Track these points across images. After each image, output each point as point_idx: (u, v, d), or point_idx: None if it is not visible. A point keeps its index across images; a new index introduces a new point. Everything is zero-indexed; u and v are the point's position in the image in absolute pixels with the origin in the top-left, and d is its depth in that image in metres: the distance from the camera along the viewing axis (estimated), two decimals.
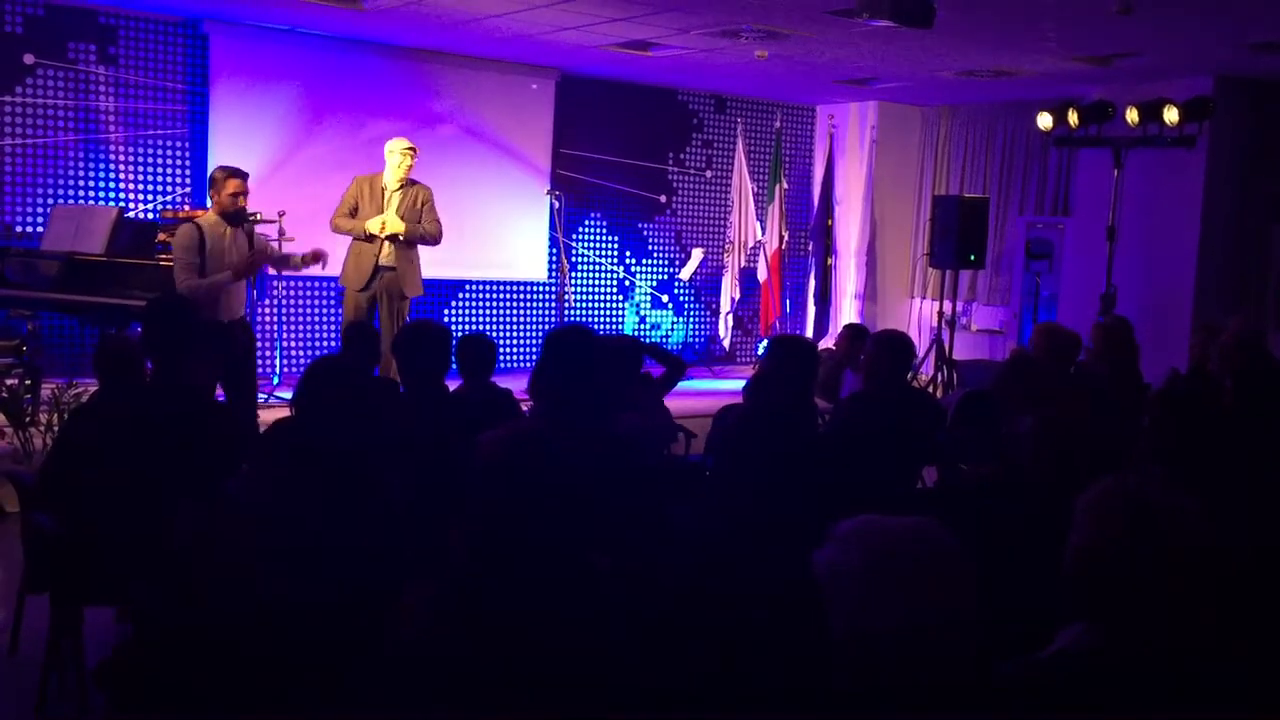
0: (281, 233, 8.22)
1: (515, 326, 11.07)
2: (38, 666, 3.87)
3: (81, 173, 8.78)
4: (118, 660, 2.86)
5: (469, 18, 8.41)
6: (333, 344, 9.65)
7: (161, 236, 7.80)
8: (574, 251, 11.17)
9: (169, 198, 9.10)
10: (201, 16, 8.99)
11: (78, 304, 7.23)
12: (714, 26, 8.34)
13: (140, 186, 9.02)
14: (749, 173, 11.70)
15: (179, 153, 9.18)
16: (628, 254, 11.72)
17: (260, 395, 7.13)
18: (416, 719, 2.01)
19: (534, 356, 4.08)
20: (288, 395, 5.47)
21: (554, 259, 10.70)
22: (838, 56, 9.40)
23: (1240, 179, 9.90)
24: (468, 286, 10.79)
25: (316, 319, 9.92)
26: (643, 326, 11.83)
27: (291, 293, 9.61)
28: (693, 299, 12.21)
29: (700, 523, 3.37)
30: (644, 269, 11.86)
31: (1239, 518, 2.85)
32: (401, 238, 7.46)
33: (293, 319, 9.75)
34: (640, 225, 11.77)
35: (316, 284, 9.65)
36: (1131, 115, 8.94)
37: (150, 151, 9.05)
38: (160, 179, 9.11)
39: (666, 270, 11.97)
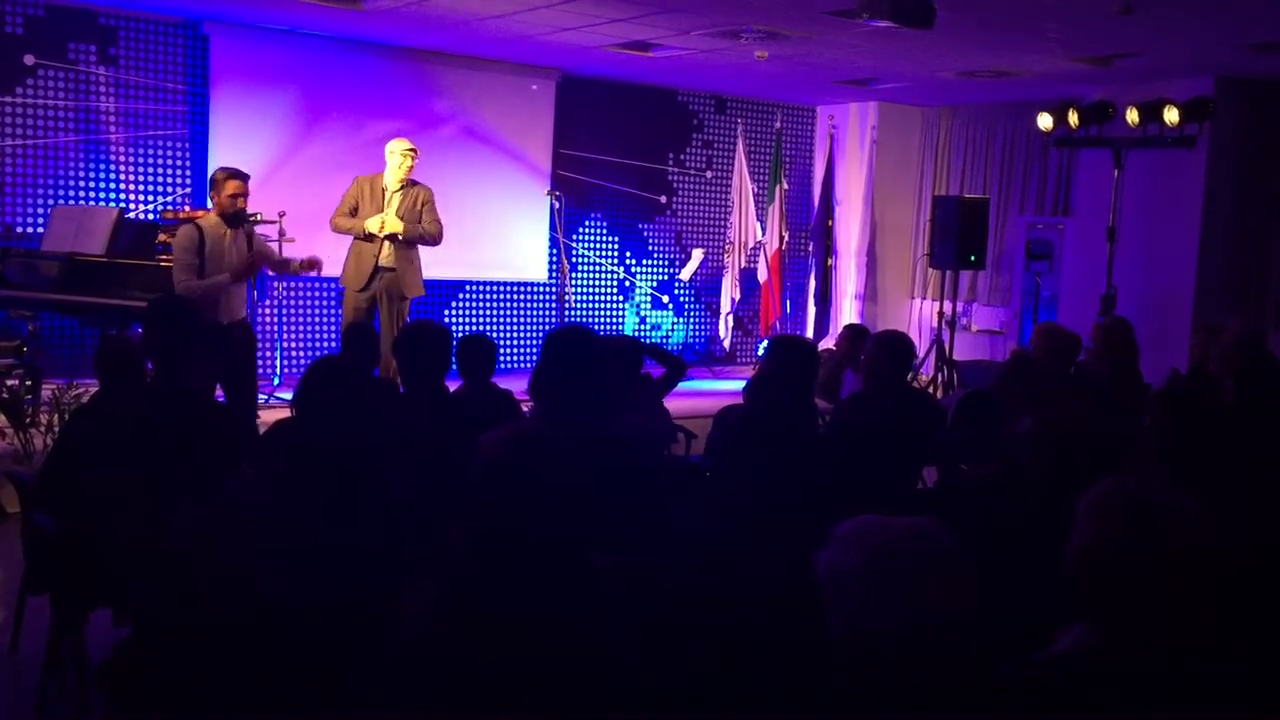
0: (282, 233, 8.23)
1: (516, 327, 11.08)
2: (38, 667, 3.87)
3: (82, 173, 8.78)
4: (118, 661, 2.86)
5: (469, 18, 8.41)
6: (333, 345, 9.65)
7: (162, 237, 7.80)
8: (574, 252, 11.18)
9: (169, 198, 9.11)
10: (202, 17, 8.99)
11: (78, 305, 7.24)
12: (714, 27, 8.34)
13: (141, 187, 9.02)
14: (749, 173, 11.71)
15: (179, 153, 9.18)
16: (628, 254, 11.72)
17: (261, 396, 7.13)
18: (416, 719, 2.01)
19: (534, 357, 4.07)
20: (288, 396, 5.48)
21: (554, 259, 10.70)
22: (838, 57, 9.41)
23: (1241, 179, 9.90)
24: (468, 287, 10.79)
25: (317, 320, 9.93)
26: (643, 327, 11.83)
27: (292, 293, 9.62)
28: (693, 299, 12.21)
29: (700, 523, 3.37)
30: (644, 269, 11.86)
31: (1239, 518, 2.85)
32: (400, 237, 7.47)
33: (293, 320, 9.76)
34: (640, 226, 11.77)
35: (317, 285, 9.65)
36: (1132, 115, 8.94)
37: (151, 152, 9.06)
38: (161, 180, 9.12)
39: (667, 271, 11.97)
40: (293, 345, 9.65)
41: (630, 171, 11.49)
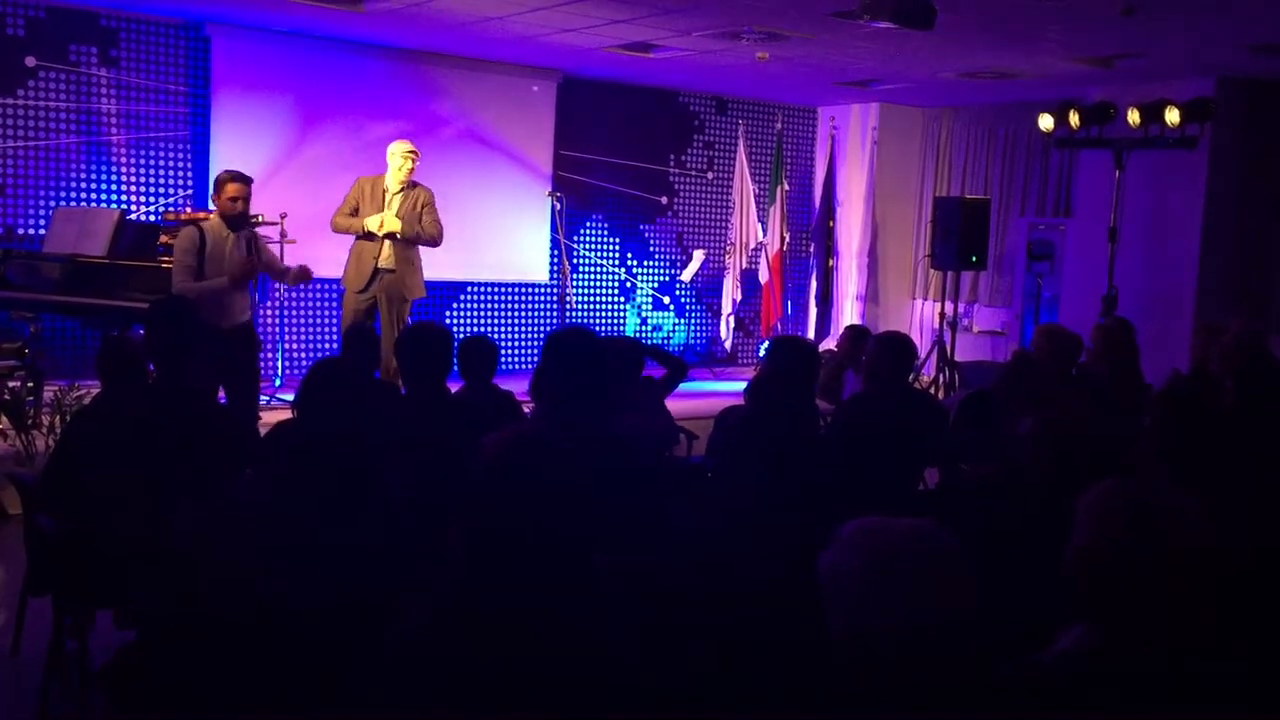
0: (283, 234, 8.24)
1: (517, 328, 11.08)
2: (40, 669, 3.87)
3: (83, 175, 8.79)
4: (120, 663, 2.86)
5: (470, 20, 8.41)
6: (334, 346, 9.66)
7: (163, 239, 7.81)
8: (575, 253, 11.18)
9: (171, 200, 9.12)
10: (203, 19, 9.00)
11: (80, 306, 7.24)
12: (715, 28, 8.35)
13: (142, 189, 9.03)
14: (750, 174, 11.71)
15: (181, 155, 9.19)
16: (629, 256, 11.72)
17: (262, 397, 7.13)
18: (416, 719, 2.01)
19: (535, 358, 4.08)
20: (289, 397, 5.48)
21: (555, 261, 10.70)
22: (839, 58, 9.41)
23: (1241, 180, 9.90)
24: (469, 288, 10.79)
25: (318, 321, 9.93)
26: (644, 328, 11.83)
27: (293, 296, 9.62)
28: (694, 300, 12.21)
29: (701, 523, 3.37)
30: (645, 270, 11.87)
31: (1239, 518, 2.85)
32: (399, 236, 7.47)
33: (295, 321, 9.76)
34: (642, 227, 11.77)
35: (319, 286, 9.65)
36: (1133, 116, 8.94)
37: (152, 154, 9.07)
38: (162, 181, 9.12)
39: (668, 272, 11.98)
40: (294, 347, 9.66)
41: (631, 172, 11.50)
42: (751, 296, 12.06)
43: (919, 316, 12.34)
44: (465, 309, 10.81)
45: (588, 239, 11.42)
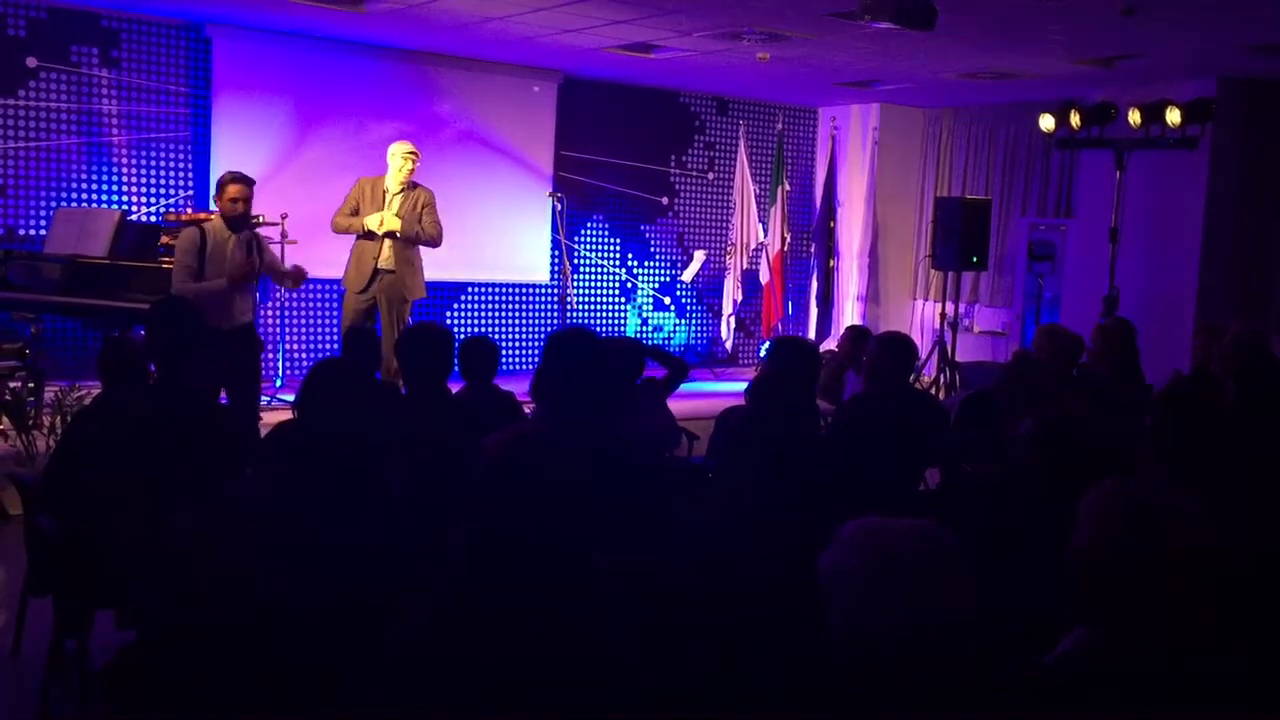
0: (284, 235, 8.24)
1: (517, 329, 11.08)
2: (40, 669, 3.87)
3: (84, 176, 8.80)
4: (120, 662, 2.86)
5: (471, 20, 8.42)
6: (335, 347, 9.66)
7: (164, 239, 7.81)
8: (576, 254, 11.18)
9: (171, 201, 9.12)
10: (204, 20, 9.00)
11: (81, 307, 7.24)
12: (716, 29, 8.35)
13: (143, 189, 9.03)
14: (751, 175, 11.71)
15: (181, 156, 9.20)
16: (630, 256, 11.72)
17: (263, 398, 7.13)
18: (416, 719, 2.01)
19: (536, 359, 4.08)
20: (290, 398, 5.48)
21: (556, 261, 10.70)
22: (839, 59, 9.41)
23: (1242, 180, 9.90)
24: (470, 289, 10.79)
25: (319, 322, 9.93)
26: (645, 329, 11.83)
27: (294, 296, 9.62)
28: (695, 301, 12.21)
29: (702, 523, 3.37)
30: (646, 271, 11.87)
31: (1239, 518, 2.85)
32: (399, 234, 7.48)
33: (295, 322, 9.77)
34: (642, 227, 11.78)
35: (319, 287, 9.66)
36: (1134, 117, 8.94)
37: (153, 154, 9.07)
38: (163, 182, 9.13)
39: (669, 272, 11.98)
40: (295, 347, 9.66)
41: (632, 173, 11.50)
42: (752, 297, 12.06)
43: (920, 317, 12.34)
44: (466, 309, 10.81)
45: (588, 239, 11.42)
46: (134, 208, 8.90)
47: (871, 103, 12.02)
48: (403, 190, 7.57)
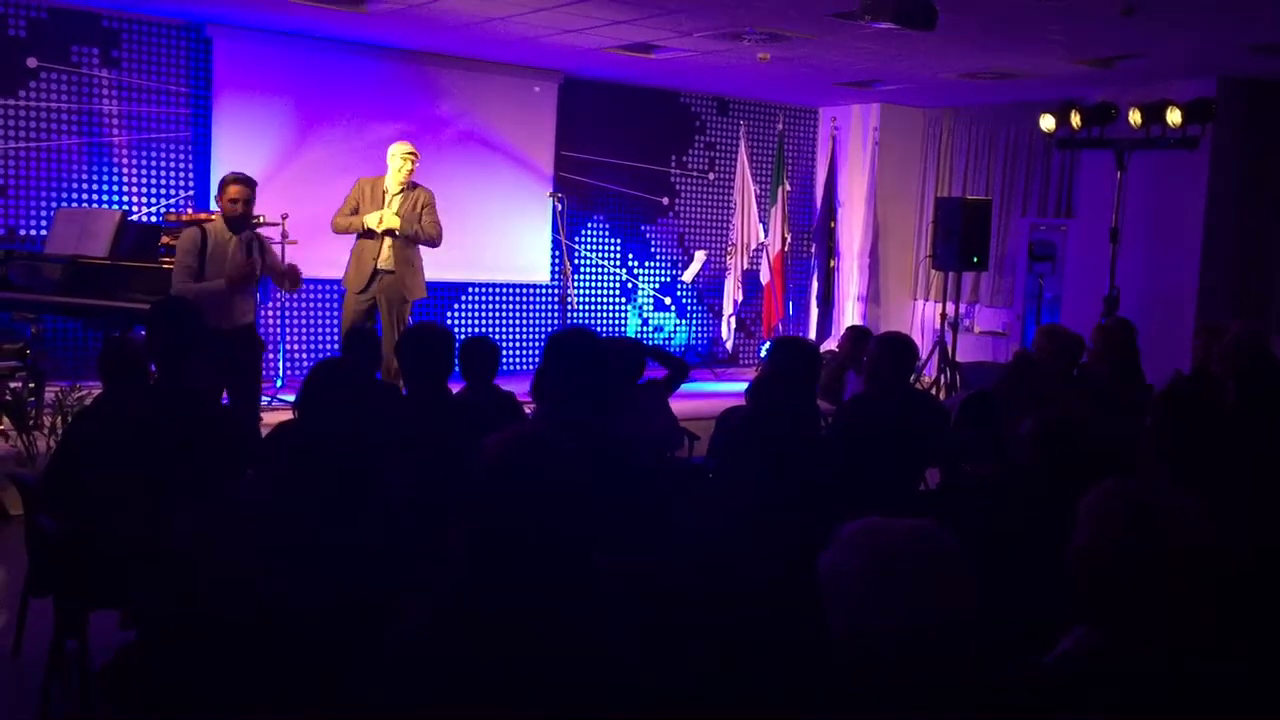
0: (284, 235, 8.24)
1: (518, 329, 11.08)
2: (41, 669, 3.87)
3: (84, 176, 8.80)
4: (120, 662, 2.86)
5: (472, 20, 8.42)
6: (335, 347, 9.66)
7: (165, 240, 7.81)
8: (576, 254, 11.18)
9: (172, 201, 9.12)
10: (205, 20, 9.01)
11: (81, 307, 7.24)
12: (716, 29, 8.35)
13: (143, 189, 9.03)
14: (751, 175, 11.71)
15: (182, 156, 9.20)
16: (630, 256, 11.73)
17: (264, 398, 7.13)
18: (416, 719, 2.01)
19: (537, 359, 4.08)
20: (291, 398, 5.48)
21: (556, 261, 10.71)
22: (840, 59, 9.41)
23: (1243, 180, 9.90)
24: (470, 289, 10.79)
25: (319, 322, 9.93)
26: (645, 329, 11.83)
27: (294, 296, 9.62)
28: (695, 301, 12.21)
29: (702, 523, 3.37)
30: (647, 271, 11.87)
31: (1239, 518, 2.85)
32: (398, 233, 7.48)
33: (296, 322, 9.77)
34: (643, 227, 11.78)
35: (319, 287, 9.66)
36: (1134, 117, 8.94)
37: (153, 155, 9.07)
38: (163, 182, 9.13)
39: (669, 272, 11.98)
40: (295, 348, 9.66)
41: (632, 173, 11.50)
42: (753, 297, 12.06)
43: (920, 317, 12.34)
44: (466, 310, 10.81)
45: (589, 240, 11.42)
46: (135, 208, 8.90)
47: (872, 103, 12.02)
48: (402, 190, 7.58)
